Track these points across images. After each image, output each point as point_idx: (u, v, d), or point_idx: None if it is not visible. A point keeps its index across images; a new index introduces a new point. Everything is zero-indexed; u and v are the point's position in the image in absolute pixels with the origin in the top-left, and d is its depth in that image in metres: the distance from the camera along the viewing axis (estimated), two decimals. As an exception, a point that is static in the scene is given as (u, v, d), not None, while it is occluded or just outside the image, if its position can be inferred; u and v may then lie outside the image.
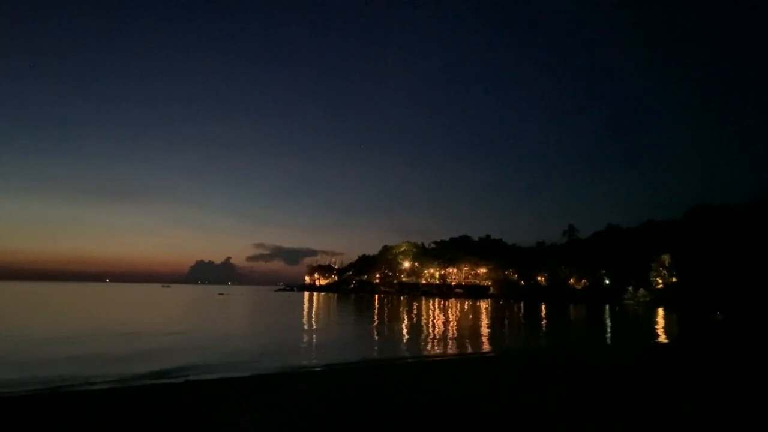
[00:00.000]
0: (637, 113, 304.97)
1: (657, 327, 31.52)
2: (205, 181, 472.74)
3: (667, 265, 74.55)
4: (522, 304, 68.83)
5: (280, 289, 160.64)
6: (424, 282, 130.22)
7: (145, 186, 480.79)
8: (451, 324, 30.38)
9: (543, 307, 61.17)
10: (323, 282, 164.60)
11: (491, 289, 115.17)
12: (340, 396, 8.68)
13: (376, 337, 22.46)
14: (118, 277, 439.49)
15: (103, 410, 7.60)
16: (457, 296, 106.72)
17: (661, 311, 51.33)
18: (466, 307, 57.54)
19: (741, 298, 49.13)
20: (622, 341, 23.35)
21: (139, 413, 7.38)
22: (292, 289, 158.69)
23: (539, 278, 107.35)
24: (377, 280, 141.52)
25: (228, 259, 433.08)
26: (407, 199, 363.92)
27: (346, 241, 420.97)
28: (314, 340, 21.22)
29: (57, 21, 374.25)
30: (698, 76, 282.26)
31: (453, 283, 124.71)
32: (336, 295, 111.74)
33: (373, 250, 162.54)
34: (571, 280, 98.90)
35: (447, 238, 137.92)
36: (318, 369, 12.68)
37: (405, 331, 25.31)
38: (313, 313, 42.23)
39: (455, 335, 23.09)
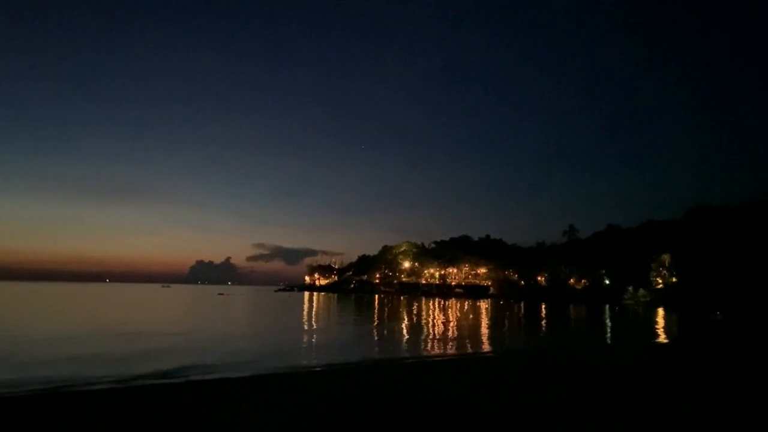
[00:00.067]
0: (637, 113, 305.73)
1: (657, 327, 31.52)
2: (205, 181, 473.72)
3: (667, 265, 74.56)
4: (522, 304, 68.82)
5: (280, 289, 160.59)
6: (424, 282, 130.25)
7: (145, 186, 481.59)
8: (451, 324, 30.37)
9: (543, 307, 61.17)
10: (323, 282, 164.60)
11: (491, 289, 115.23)
12: (340, 396, 8.68)
13: (376, 337, 22.45)
14: (118, 277, 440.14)
15: (103, 410, 7.61)
16: (457, 296, 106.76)
17: (661, 311, 51.33)
18: (466, 307, 57.53)
19: (741, 298, 49.13)
20: (622, 341, 23.35)
21: (139, 413, 7.38)
22: (292, 289, 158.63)
23: (539, 278, 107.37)
24: (377, 280, 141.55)
25: (228, 259, 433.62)
26: (407, 199, 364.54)
27: (346, 241, 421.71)
28: (314, 340, 21.22)
29: (57, 21, 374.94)
30: (698, 76, 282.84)
31: (453, 283, 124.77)
32: (336, 295, 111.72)
33: (373, 250, 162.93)
34: (571, 280, 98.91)
35: (447, 238, 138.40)
36: (318, 369, 12.68)
37: (405, 331, 25.31)
38: (313, 313, 42.22)
39: (455, 335, 23.08)
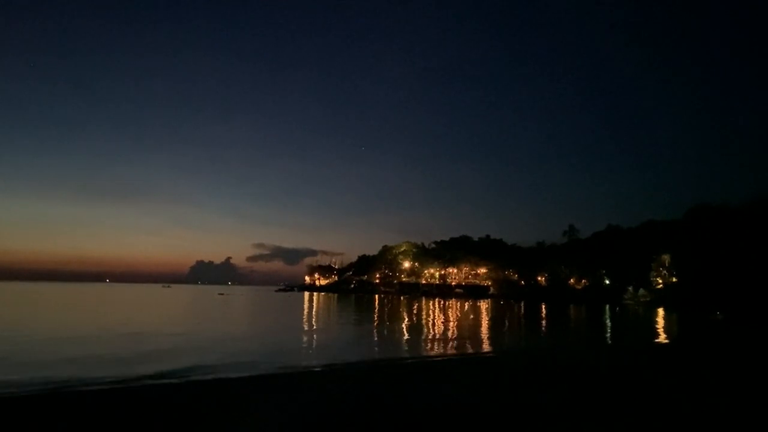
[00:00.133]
0: (637, 113, 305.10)
1: (657, 327, 31.52)
2: (205, 181, 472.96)
3: (667, 265, 74.56)
4: (522, 304, 68.83)
5: (280, 289, 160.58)
6: (424, 282, 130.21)
7: (145, 186, 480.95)
8: (451, 324, 30.37)
9: (543, 307, 61.17)
10: (323, 282, 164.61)
11: (491, 289, 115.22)
12: (340, 396, 8.68)
13: (376, 338, 22.46)
14: (118, 277, 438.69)
15: (104, 410, 7.61)
16: (458, 296, 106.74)
17: (661, 311, 51.34)
18: (466, 307, 57.54)
19: (741, 298, 49.12)
20: (622, 341, 23.35)
21: (139, 413, 7.39)
22: (292, 289, 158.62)
23: (539, 278, 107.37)
24: (377, 280, 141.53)
25: (228, 259, 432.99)
26: (407, 199, 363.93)
27: (346, 241, 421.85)
28: (314, 340, 21.23)
29: (57, 21, 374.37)
30: (698, 76, 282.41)
31: (453, 283, 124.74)
32: (336, 295, 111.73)
33: (373, 250, 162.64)
34: (571, 280, 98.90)
35: (447, 238, 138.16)
36: (318, 369, 12.68)
37: (405, 331, 25.31)
38: (313, 313, 42.23)
39: (455, 335, 23.08)
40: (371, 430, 6.46)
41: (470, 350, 17.69)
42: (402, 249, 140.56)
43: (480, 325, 30.25)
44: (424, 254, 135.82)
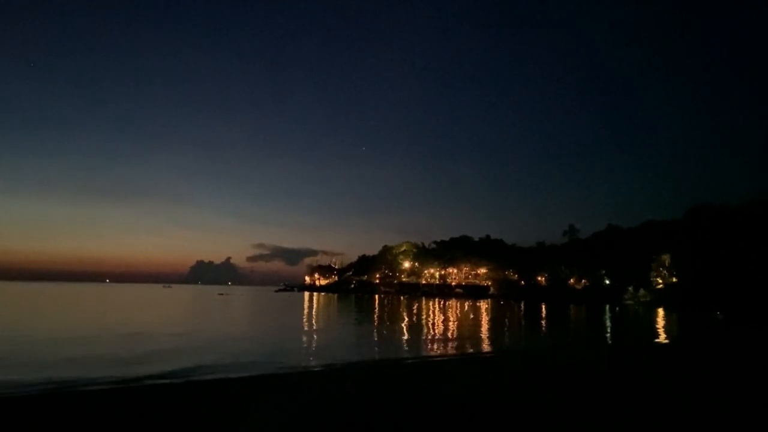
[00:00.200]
0: (637, 113, 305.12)
1: (657, 327, 31.52)
2: (205, 181, 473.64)
3: (667, 265, 74.55)
4: (522, 305, 68.83)
5: (280, 290, 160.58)
6: (424, 282, 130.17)
7: (145, 186, 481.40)
8: (451, 324, 30.38)
9: (543, 307, 61.17)
10: (323, 282, 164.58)
11: (491, 290, 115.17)
12: (340, 396, 8.68)
13: (376, 338, 22.46)
14: (118, 277, 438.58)
15: (104, 411, 7.61)
16: (458, 296, 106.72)
17: (661, 311, 51.35)
18: (466, 307, 57.54)
19: (741, 298, 49.12)
20: (622, 341, 23.36)
21: (139, 414, 7.39)
22: (292, 290, 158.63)
23: (539, 278, 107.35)
24: (377, 281, 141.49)
25: (228, 259, 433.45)
26: (407, 199, 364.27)
27: (346, 241, 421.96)
28: (314, 340, 21.22)
29: (57, 21, 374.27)
30: (698, 76, 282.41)
31: (453, 284, 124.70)
32: (336, 295, 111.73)
33: (373, 250, 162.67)
34: (572, 280, 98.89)
35: (447, 238, 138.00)
36: (318, 369, 12.68)
37: (405, 331, 25.31)
38: (313, 313, 42.23)
39: (455, 335, 23.08)
40: (371, 430, 6.46)
41: (470, 350, 17.69)
42: (402, 249, 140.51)
43: (480, 325, 30.24)
44: (424, 254, 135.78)
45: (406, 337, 22.30)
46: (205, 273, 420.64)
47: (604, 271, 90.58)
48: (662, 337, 24.59)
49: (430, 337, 22.17)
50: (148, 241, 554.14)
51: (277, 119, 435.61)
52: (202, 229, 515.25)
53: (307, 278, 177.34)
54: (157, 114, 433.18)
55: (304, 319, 33.63)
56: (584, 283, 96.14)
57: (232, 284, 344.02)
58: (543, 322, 35.97)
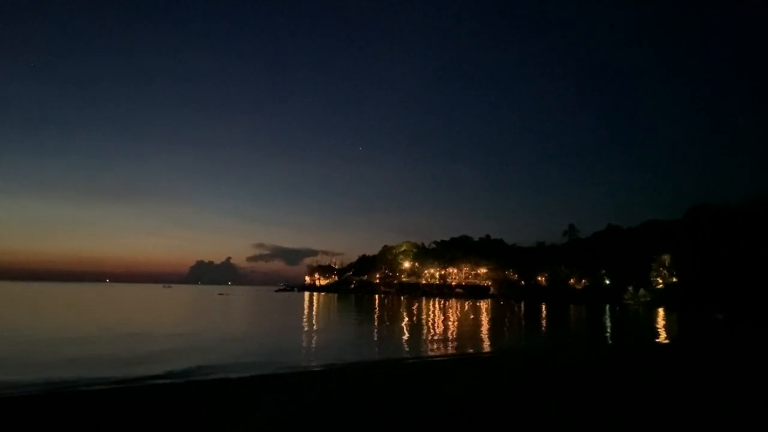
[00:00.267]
0: (637, 113, 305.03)
1: (657, 327, 31.52)
2: (205, 181, 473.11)
3: (667, 265, 74.50)
4: (522, 305, 68.83)
5: (280, 290, 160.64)
6: (424, 282, 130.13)
7: (145, 186, 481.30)
8: (451, 324, 30.38)
9: (543, 307, 61.18)
10: (323, 282, 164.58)
11: (491, 289, 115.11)
12: (340, 396, 8.68)
13: (377, 338, 22.47)
14: (119, 277, 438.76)
15: (104, 411, 7.62)
16: (458, 296, 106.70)
17: (661, 311, 51.36)
18: (466, 307, 57.54)
19: (741, 298, 49.10)
20: (623, 341, 23.36)
21: (140, 414, 7.39)
22: (292, 290, 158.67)
23: (539, 278, 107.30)
24: (377, 280, 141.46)
25: (228, 259, 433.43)
26: (407, 199, 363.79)
27: (346, 241, 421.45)
28: (314, 340, 21.23)
29: (57, 21, 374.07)
30: (698, 76, 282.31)
31: (453, 283, 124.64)
32: (336, 295, 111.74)
33: (373, 250, 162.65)
34: (572, 280, 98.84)
35: (447, 238, 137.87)
36: (318, 369, 12.69)
37: (405, 331, 25.31)
38: (314, 313, 42.24)
39: (455, 335, 23.09)
40: (371, 430, 6.46)
41: (470, 350, 17.69)
42: (402, 249, 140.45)
43: (480, 325, 30.25)
44: (424, 254, 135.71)
45: (406, 337, 22.30)
46: (205, 273, 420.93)
47: (604, 271, 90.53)
48: (662, 337, 24.58)
49: (430, 337, 22.17)
50: (148, 241, 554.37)
51: (277, 119, 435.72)
52: (202, 229, 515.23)
53: (307, 278, 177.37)
54: (157, 114, 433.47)
55: (304, 320, 33.63)
56: (584, 283, 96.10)
57: (232, 284, 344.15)
58: (543, 322, 35.97)
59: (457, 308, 53.35)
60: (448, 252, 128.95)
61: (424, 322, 32.18)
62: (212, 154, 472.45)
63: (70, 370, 11.58)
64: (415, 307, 53.40)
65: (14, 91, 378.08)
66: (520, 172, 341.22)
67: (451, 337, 22.33)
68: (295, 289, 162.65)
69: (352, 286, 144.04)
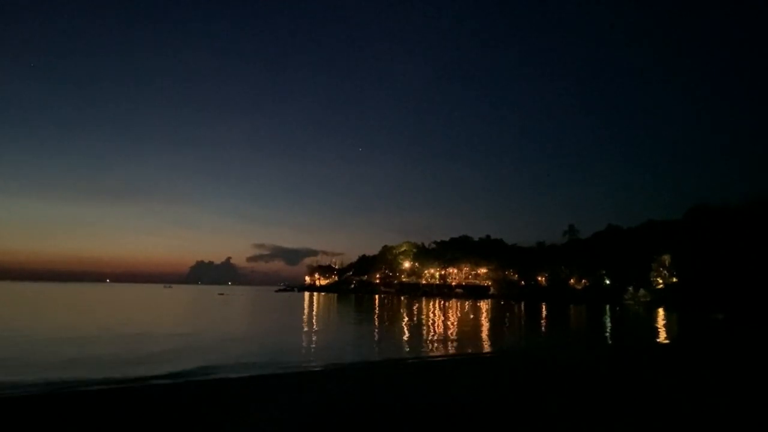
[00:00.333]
0: (637, 113, 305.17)
1: (657, 327, 31.51)
2: (205, 181, 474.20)
3: (667, 265, 74.46)
4: (522, 305, 68.82)
5: (280, 290, 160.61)
6: (424, 282, 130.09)
7: (145, 186, 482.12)
8: (452, 324, 30.38)
9: (543, 307, 61.17)
10: (323, 282, 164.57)
11: (492, 290, 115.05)
12: (340, 396, 8.68)
13: (377, 338, 22.46)
14: (119, 277, 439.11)
15: (104, 411, 7.62)
16: (458, 296, 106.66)
17: (661, 311, 51.35)
18: (466, 307, 57.54)
19: (741, 298, 49.08)
20: (623, 341, 23.36)
21: (140, 414, 7.39)
22: (292, 290, 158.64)
23: (539, 278, 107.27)
24: (377, 281, 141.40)
25: (228, 259, 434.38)
26: (407, 199, 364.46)
27: (346, 241, 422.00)
28: (314, 340, 21.22)
29: (57, 21, 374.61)
30: (698, 76, 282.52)
31: (453, 284, 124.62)
32: (336, 295, 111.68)
33: (373, 250, 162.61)
34: (572, 281, 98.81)
35: (447, 238, 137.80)
36: (318, 369, 12.69)
37: (405, 331, 25.31)
38: (313, 313, 42.24)
39: (456, 335, 23.09)
40: (371, 430, 6.46)
41: (470, 350, 17.69)
42: (402, 249, 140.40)
43: (480, 326, 30.25)
44: (424, 254, 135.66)
45: (406, 337, 22.30)
46: (205, 273, 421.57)
47: (604, 271, 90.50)
48: (662, 337, 24.58)
49: (430, 337, 22.17)
50: (148, 241, 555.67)
51: (277, 119, 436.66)
52: (202, 229, 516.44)
53: (307, 278, 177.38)
54: (157, 114, 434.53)
55: (304, 320, 33.63)
56: (584, 283, 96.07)
57: (232, 284, 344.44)
58: (543, 322, 35.97)
59: (457, 308, 53.33)
60: (448, 252, 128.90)
61: (424, 322, 32.18)
62: (212, 154, 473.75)
63: (70, 371, 11.58)
64: (415, 308, 53.39)
65: (14, 91, 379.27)
66: (520, 172, 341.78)
67: (451, 337, 22.33)
68: (295, 289, 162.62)
69: (352, 286, 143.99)
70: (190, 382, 10.41)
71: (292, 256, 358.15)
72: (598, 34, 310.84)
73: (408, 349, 17.77)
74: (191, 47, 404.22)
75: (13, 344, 16.64)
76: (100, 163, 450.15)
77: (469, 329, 27.10)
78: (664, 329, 29.78)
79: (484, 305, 64.35)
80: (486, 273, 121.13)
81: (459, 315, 41.08)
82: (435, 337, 21.88)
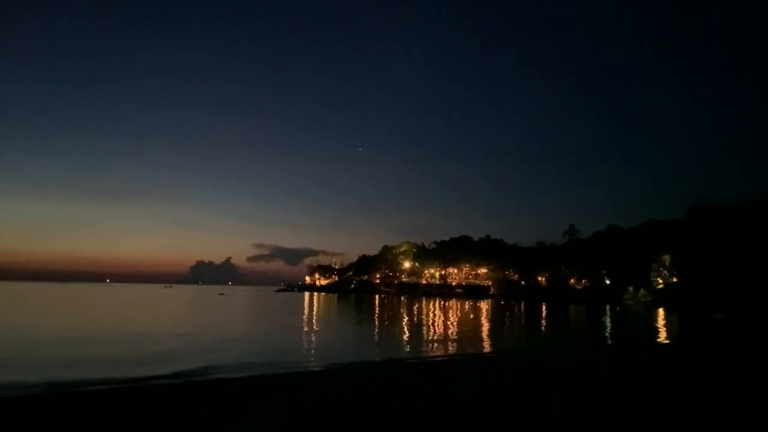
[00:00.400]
0: (637, 113, 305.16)
1: (657, 327, 31.51)
2: (205, 181, 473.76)
3: (667, 265, 74.47)
4: (522, 305, 68.82)
5: (280, 290, 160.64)
6: (424, 282, 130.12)
7: (145, 186, 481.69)
8: (452, 324, 30.38)
9: (543, 307, 61.17)
10: (323, 282, 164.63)
11: (492, 290, 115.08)
12: (340, 396, 8.69)
13: (377, 338, 22.46)
14: (119, 277, 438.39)
15: (105, 411, 7.62)
16: (458, 296, 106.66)
17: (661, 311, 51.34)
18: (466, 307, 57.54)
19: (741, 298, 49.10)
20: (623, 341, 23.35)
21: (140, 414, 7.40)
22: (292, 290, 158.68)
23: (540, 278, 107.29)
24: (377, 281, 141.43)
25: (228, 259, 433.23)
26: (407, 199, 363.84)
27: (346, 241, 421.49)
28: (314, 340, 21.22)
29: (57, 21, 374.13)
30: (698, 76, 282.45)
31: (453, 284, 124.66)
32: (336, 295, 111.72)
33: (373, 250, 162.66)
34: (572, 281, 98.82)
35: (447, 238, 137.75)
36: (318, 369, 12.69)
37: (405, 331, 25.31)
38: (314, 313, 42.25)
39: (456, 336, 23.10)
40: (371, 430, 6.47)
41: (470, 350, 17.69)
42: (402, 249, 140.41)
43: (480, 326, 30.25)
44: (425, 254, 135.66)
45: (406, 337, 22.30)
46: (205, 273, 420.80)
47: (604, 271, 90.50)
48: (662, 337, 24.58)
49: (430, 337, 22.17)
50: (148, 241, 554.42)
51: (277, 119, 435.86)
52: (202, 229, 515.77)
53: (307, 278, 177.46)
54: (157, 114, 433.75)
55: (304, 320, 33.64)
56: (584, 283, 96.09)
57: (232, 284, 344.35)
58: (543, 322, 35.97)
59: (457, 308, 53.34)
60: (448, 252, 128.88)
61: (424, 322, 32.18)
62: (212, 154, 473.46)
63: (70, 371, 11.58)
64: (415, 308, 53.39)
65: (14, 91, 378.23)
66: (520, 172, 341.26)
67: (451, 337, 22.33)
68: (295, 289, 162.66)
69: (353, 286, 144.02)
70: (190, 382, 10.42)
71: (292, 256, 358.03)
72: (598, 34, 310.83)
73: (408, 349, 17.77)
74: (191, 47, 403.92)
75: (13, 344, 16.65)
76: (100, 163, 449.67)
77: (469, 329, 27.10)
78: (664, 329, 29.78)
79: (484, 305, 64.35)
80: (486, 273, 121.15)
81: (459, 315, 41.08)
82: (435, 337, 21.88)
